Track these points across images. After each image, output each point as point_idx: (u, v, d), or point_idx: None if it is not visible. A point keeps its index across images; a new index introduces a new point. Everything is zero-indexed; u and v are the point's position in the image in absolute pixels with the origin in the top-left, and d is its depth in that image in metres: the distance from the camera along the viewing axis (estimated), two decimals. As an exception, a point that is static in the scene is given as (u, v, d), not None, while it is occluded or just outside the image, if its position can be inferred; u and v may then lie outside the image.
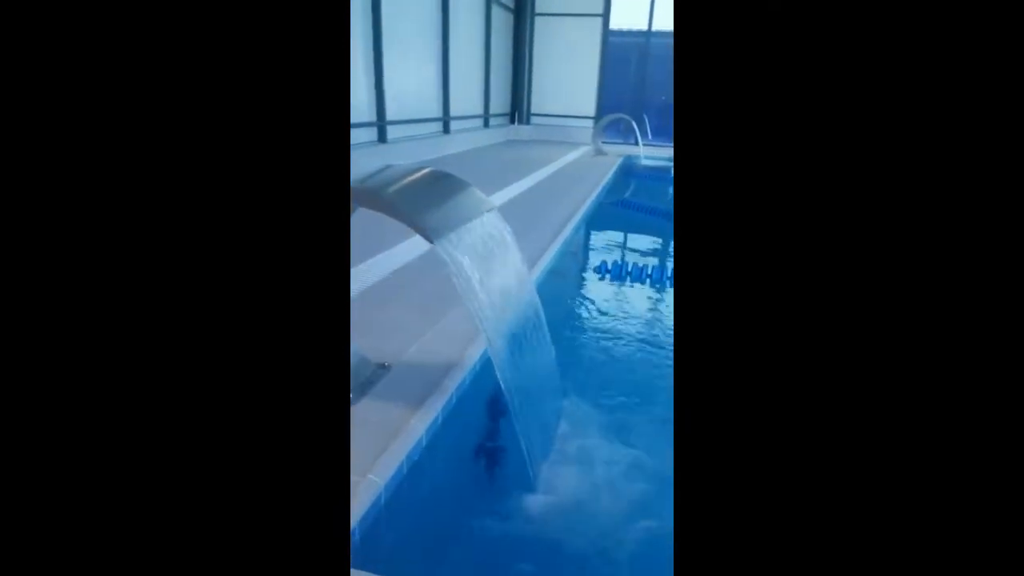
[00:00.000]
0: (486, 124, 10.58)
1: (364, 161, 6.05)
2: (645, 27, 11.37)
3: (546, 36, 11.52)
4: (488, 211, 1.83)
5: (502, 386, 1.63)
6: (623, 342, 3.04)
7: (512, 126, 11.74)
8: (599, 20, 11.26)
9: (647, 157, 10.27)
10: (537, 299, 2.01)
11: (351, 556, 1.04)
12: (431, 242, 1.45)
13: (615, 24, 11.38)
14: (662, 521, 1.69)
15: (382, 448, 1.66)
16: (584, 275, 4.21)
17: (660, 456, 1.99)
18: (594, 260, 4.41)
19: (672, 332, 3.16)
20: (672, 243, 5.33)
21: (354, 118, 6.34)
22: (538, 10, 11.41)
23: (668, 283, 3.93)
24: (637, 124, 10.29)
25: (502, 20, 10.71)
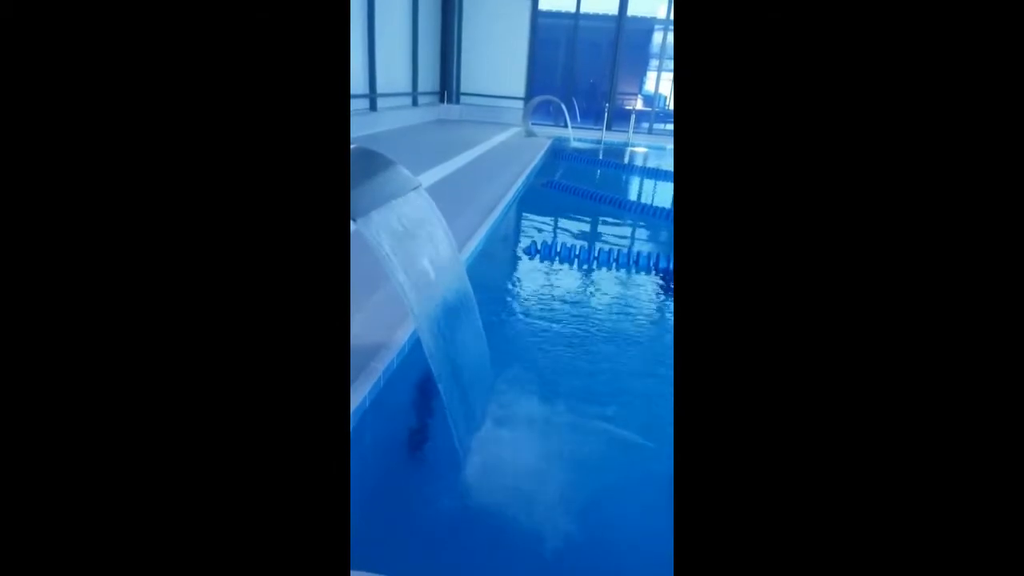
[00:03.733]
0: (415, 102, 10.33)
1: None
2: (573, 9, 11.42)
3: (475, 14, 11.35)
4: (414, 189, 1.79)
5: (431, 365, 1.61)
6: (553, 321, 3.09)
7: (442, 105, 11.54)
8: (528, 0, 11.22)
9: (576, 139, 10.40)
10: (466, 278, 2.00)
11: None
12: (353, 221, 1.40)
13: (544, 5, 11.36)
14: (584, 495, 1.74)
15: (306, 434, 1.61)
16: (515, 256, 4.23)
17: (583, 429, 2.04)
18: (524, 241, 4.43)
19: (600, 309, 3.24)
20: (602, 225, 5.45)
21: (273, 92, 6.02)
22: (467, -13, 11.22)
23: (595, 263, 4.02)
24: (566, 106, 10.38)
25: (430, -5, 10.47)
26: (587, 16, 11.49)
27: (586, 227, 5.39)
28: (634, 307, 3.41)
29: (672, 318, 3.00)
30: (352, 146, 1.79)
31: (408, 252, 1.62)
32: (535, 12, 11.29)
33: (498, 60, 11.63)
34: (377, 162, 1.80)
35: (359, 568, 1.16)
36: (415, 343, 2.28)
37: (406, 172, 1.86)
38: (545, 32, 11.63)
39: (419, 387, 2.24)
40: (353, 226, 1.47)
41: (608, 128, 11.26)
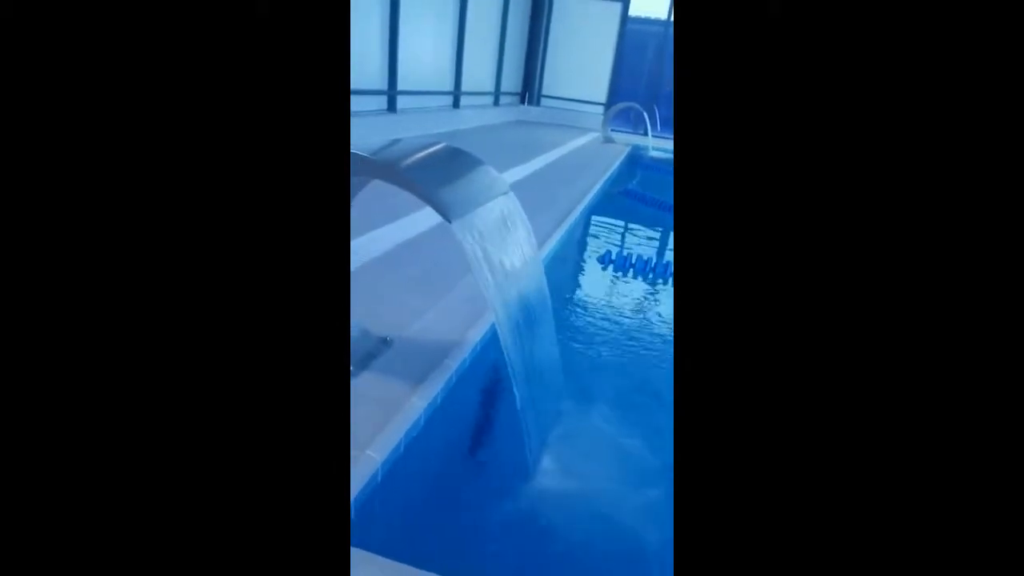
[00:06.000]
0: (496, 102, 10.45)
1: (373, 130, 5.97)
2: (664, 16, 11.21)
3: (564, 17, 11.34)
4: (504, 193, 1.80)
5: (509, 369, 1.62)
6: (623, 334, 3.03)
7: (522, 106, 11.61)
8: (619, 5, 11.09)
9: (655, 148, 10.19)
10: (546, 284, 1.99)
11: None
12: (449, 221, 1.42)
13: (634, 11, 11.21)
14: (657, 511, 1.69)
15: (381, 424, 1.64)
16: (589, 263, 4.19)
17: (655, 441, 1.99)
18: (598, 249, 4.38)
19: (672, 326, 3.16)
20: (672, 238, 5.30)
21: (365, 85, 6.23)
22: (558, -10, 11.23)
23: (671, 278, 3.92)
24: (648, 114, 10.19)
25: (521, -3, 10.56)
26: (678, 24, 11.25)
27: (662, 240, 5.28)
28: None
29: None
30: (441, 144, 1.82)
31: (494, 254, 1.62)
32: (624, 18, 11.16)
33: (582, 64, 11.57)
34: (470, 162, 1.82)
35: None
36: (487, 342, 2.29)
37: (496, 174, 1.87)
38: (633, 38, 11.47)
39: (490, 386, 2.25)
40: (434, 222, 1.49)
41: (689, 139, 10.97)
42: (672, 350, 2.86)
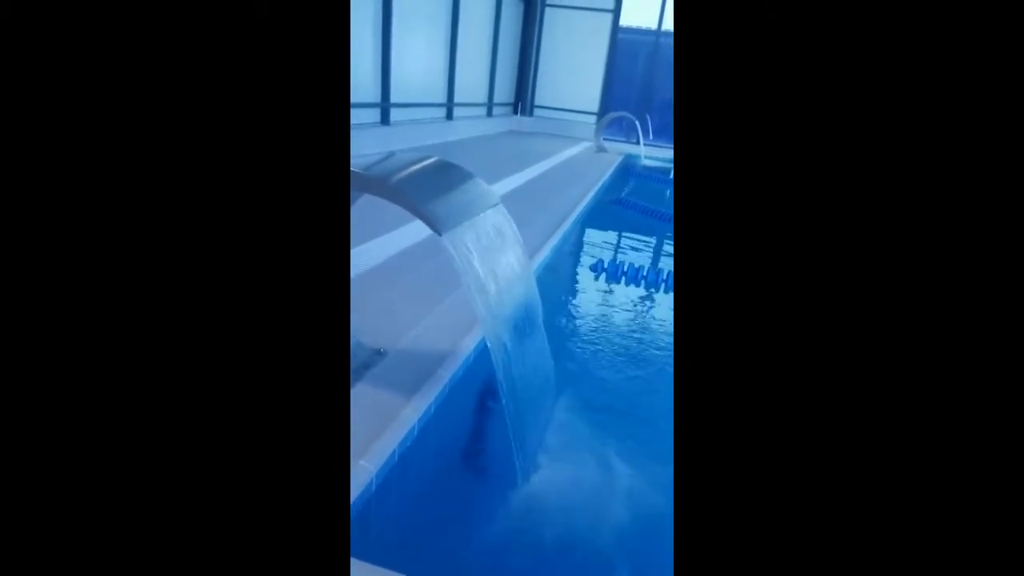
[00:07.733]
0: (489, 113, 10.53)
1: (367, 142, 6.01)
2: (655, 26, 11.34)
3: (555, 28, 11.45)
4: (494, 206, 1.83)
5: (499, 380, 1.64)
6: (616, 343, 3.06)
7: (515, 116, 11.69)
8: (610, 15, 11.21)
9: (647, 157, 10.27)
10: (537, 296, 2.02)
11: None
12: (439, 234, 1.45)
13: (625, 21, 11.34)
14: (649, 519, 1.71)
15: (375, 435, 1.66)
16: (580, 272, 4.22)
17: (646, 452, 2.02)
18: (590, 258, 4.42)
19: (667, 334, 3.19)
20: (669, 246, 5.35)
21: (359, 98, 6.28)
22: (549, 1, 11.34)
23: (663, 286, 3.95)
24: (640, 123, 10.27)
25: (512, 9, 10.65)
26: (669, 33, 11.37)
27: (654, 247, 5.32)
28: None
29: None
30: (432, 158, 1.85)
31: (485, 265, 1.65)
32: (615, 28, 11.28)
33: (574, 74, 11.67)
34: (460, 176, 1.85)
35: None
36: (480, 352, 2.32)
37: (486, 187, 1.90)
38: (624, 47, 11.59)
39: (481, 397, 2.27)
40: (428, 234, 1.52)
41: (681, 147, 11.04)
42: (667, 356, 2.90)
